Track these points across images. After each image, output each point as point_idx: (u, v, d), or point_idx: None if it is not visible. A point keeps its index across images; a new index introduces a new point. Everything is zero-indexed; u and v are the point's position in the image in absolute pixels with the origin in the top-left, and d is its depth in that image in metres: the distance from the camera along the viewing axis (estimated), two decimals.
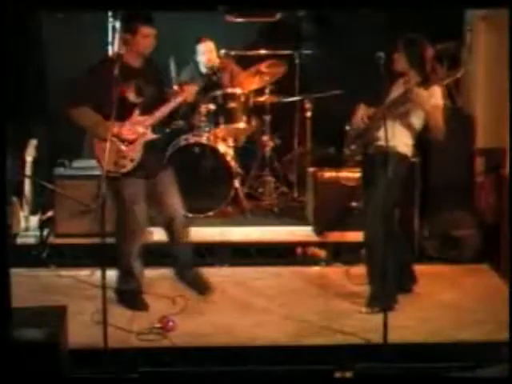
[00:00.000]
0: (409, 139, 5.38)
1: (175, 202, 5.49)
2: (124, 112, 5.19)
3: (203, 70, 7.47)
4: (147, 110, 5.31)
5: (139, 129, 5.28)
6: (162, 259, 6.26)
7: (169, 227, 5.54)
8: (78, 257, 6.38)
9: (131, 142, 5.28)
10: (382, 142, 5.27)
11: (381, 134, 5.29)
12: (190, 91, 5.41)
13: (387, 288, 5.16)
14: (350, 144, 5.54)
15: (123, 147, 5.26)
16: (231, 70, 7.51)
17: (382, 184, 5.21)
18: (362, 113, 5.45)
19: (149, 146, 5.34)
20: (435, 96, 5.25)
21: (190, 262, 5.66)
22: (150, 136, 5.33)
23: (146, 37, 5.23)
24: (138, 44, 5.24)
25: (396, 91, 5.35)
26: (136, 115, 5.28)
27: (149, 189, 5.40)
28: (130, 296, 5.49)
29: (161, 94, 5.40)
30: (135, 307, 5.45)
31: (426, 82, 5.18)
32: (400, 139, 5.30)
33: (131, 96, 5.26)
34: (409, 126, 5.33)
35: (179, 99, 5.36)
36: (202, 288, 5.59)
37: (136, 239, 5.42)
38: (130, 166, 5.28)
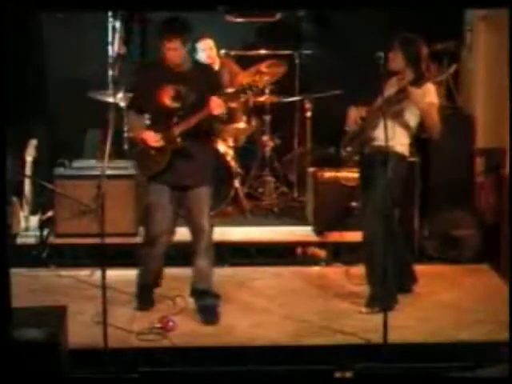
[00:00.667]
0: (405, 138, 5.38)
1: (202, 224, 5.27)
2: (163, 117, 5.16)
3: None
4: (188, 116, 5.17)
5: (169, 135, 5.15)
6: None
7: (192, 245, 5.39)
8: (78, 257, 6.39)
9: (159, 148, 5.19)
10: (378, 142, 5.28)
11: (377, 134, 5.31)
12: (216, 103, 5.07)
13: (387, 288, 5.16)
14: (345, 145, 5.54)
15: (152, 152, 5.21)
16: (230, 70, 7.50)
17: (379, 184, 5.22)
18: (354, 115, 5.46)
19: (180, 155, 5.19)
20: (429, 94, 5.25)
21: (205, 288, 5.36)
22: (178, 144, 5.17)
23: (169, 50, 5.13)
24: (165, 54, 5.16)
25: (389, 90, 5.35)
26: (174, 121, 5.16)
27: (180, 200, 5.32)
28: (141, 291, 5.54)
29: (206, 101, 5.13)
30: (141, 302, 5.49)
31: (419, 81, 5.19)
32: (397, 139, 5.29)
33: (167, 101, 5.16)
34: (404, 125, 5.33)
35: (204, 112, 5.11)
36: (207, 319, 5.31)
37: (155, 242, 5.39)
38: (154, 169, 5.22)
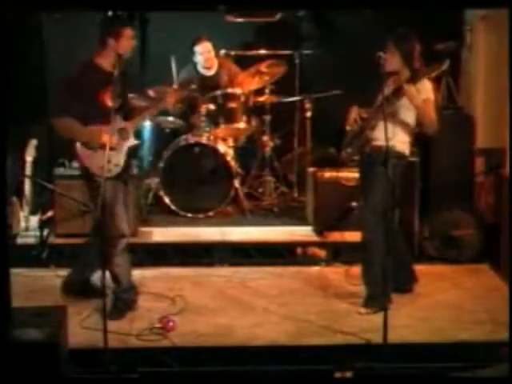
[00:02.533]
0: (405, 136, 5.38)
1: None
2: (106, 118, 5.13)
3: (201, 70, 7.47)
4: (129, 115, 5.30)
5: (124, 134, 5.26)
6: (162, 259, 6.28)
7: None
8: (78, 257, 6.37)
9: (115, 148, 5.23)
10: (378, 142, 5.28)
11: (376, 134, 5.31)
12: (173, 97, 5.33)
13: (384, 288, 5.15)
14: (346, 146, 5.54)
15: (103, 152, 5.12)
16: (229, 71, 7.51)
17: (379, 184, 5.22)
18: (354, 115, 5.46)
19: (130, 152, 5.34)
20: (425, 90, 5.25)
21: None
22: (133, 142, 5.32)
23: (130, 39, 5.24)
24: (121, 47, 5.22)
25: (387, 90, 5.34)
26: (118, 121, 5.23)
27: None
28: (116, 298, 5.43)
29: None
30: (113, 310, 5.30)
31: (414, 78, 5.19)
32: (396, 137, 5.28)
33: (109, 101, 5.17)
34: (402, 123, 5.34)
35: (160, 106, 5.36)
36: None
37: (118, 239, 5.31)
38: (115, 170, 5.25)
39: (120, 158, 5.28)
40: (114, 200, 5.26)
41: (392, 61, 5.27)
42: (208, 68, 7.45)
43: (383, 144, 5.07)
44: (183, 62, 7.42)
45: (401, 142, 5.33)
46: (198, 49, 7.38)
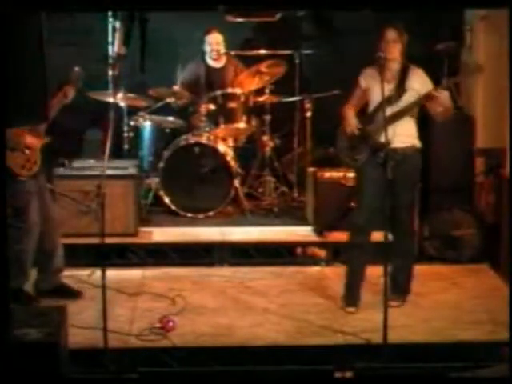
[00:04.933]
0: (415, 130, 5.40)
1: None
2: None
3: (209, 61, 7.49)
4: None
5: (38, 133, 5.34)
6: (162, 259, 6.28)
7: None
8: (78, 257, 6.37)
9: (32, 148, 5.30)
10: (397, 145, 5.21)
11: (390, 137, 5.14)
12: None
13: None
14: (351, 150, 5.48)
15: (27, 152, 5.27)
16: (236, 68, 7.53)
17: (409, 181, 5.31)
18: (351, 118, 5.44)
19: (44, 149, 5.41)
20: (427, 81, 5.31)
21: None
22: (46, 140, 5.40)
23: None
24: None
25: (374, 83, 5.32)
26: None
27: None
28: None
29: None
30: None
31: (440, 85, 5.25)
32: (413, 136, 5.34)
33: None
34: (414, 120, 5.39)
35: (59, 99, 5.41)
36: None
37: (33, 231, 5.40)
38: (35, 168, 5.33)
39: (38, 157, 5.35)
40: (33, 194, 5.35)
41: (395, 49, 5.29)
42: (215, 60, 7.47)
43: (403, 145, 5.22)
44: (183, 62, 7.41)
45: (417, 136, 5.38)
46: (208, 39, 7.44)
